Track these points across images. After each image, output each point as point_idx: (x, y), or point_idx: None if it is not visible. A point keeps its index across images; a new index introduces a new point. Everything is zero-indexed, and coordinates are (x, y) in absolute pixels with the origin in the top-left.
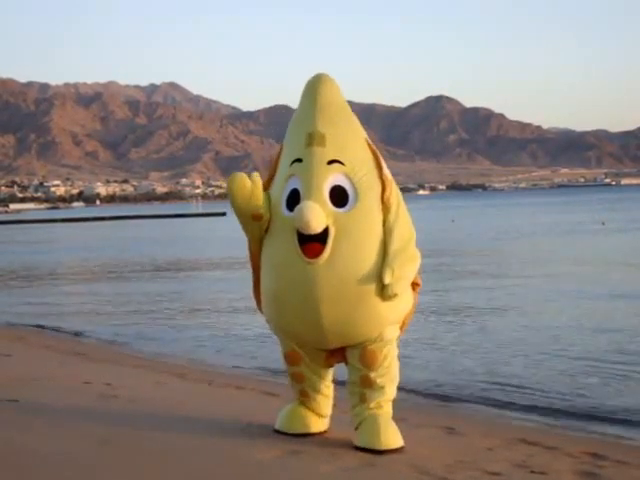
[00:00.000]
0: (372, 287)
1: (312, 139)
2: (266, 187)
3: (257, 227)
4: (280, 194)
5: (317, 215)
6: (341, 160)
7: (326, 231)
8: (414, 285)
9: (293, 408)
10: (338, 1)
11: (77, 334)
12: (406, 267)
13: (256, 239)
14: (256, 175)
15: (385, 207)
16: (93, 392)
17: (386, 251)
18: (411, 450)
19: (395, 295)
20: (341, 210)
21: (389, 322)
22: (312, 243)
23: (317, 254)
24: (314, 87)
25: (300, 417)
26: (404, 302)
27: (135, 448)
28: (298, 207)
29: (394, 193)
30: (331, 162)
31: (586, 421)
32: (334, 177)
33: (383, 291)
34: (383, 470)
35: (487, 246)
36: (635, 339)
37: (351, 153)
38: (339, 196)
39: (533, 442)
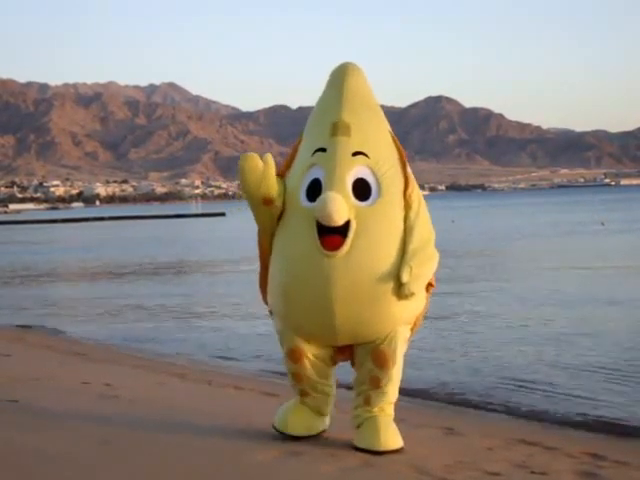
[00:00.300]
0: (389, 284)
1: (337, 129)
2: (281, 174)
3: (268, 214)
4: (299, 183)
5: (340, 207)
6: (366, 152)
7: (347, 224)
8: (428, 286)
9: (294, 407)
10: (338, 1)
11: (76, 334)
12: (424, 266)
13: (266, 228)
14: (269, 156)
15: (407, 204)
16: (93, 392)
17: (405, 249)
18: (411, 450)
19: (412, 294)
20: (363, 204)
21: (402, 321)
22: (332, 235)
23: (337, 247)
24: (341, 76)
25: (301, 418)
26: (417, 302)
27: (135, 448)
28: (321, 197)
29: (416, 191)
30: (356, 154)
31: (586, 421)
32: (358, 169)
33: (399, 290)
34: (383, 470)
35: (488, 247)
36: (636, 340)
37: (376, 146)
38: (362, 189)
39: (533, 442)
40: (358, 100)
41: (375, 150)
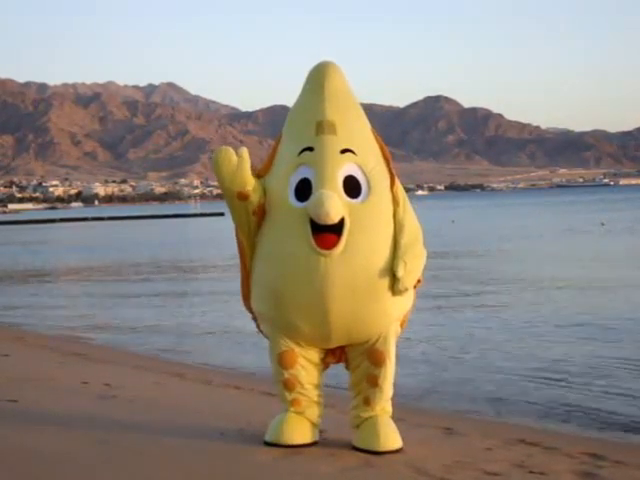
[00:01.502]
0: (384, 281)
1: (323, 127)
2: (261, 174)
3: (243, 209)
4: (285, 183)
5: (336, 205)
6: (353, 150)
7: (341, 222)
8: (416, 282)
9: (286, 417)
10: (337, 1)
11: (76, 334)
12: (416, 261)
13: (242, 224)
14: (244, 150)
15: (394, 200)
16: (92, 392)
17: (397, 244)
18: (410, 450)
19: (406, 289)
20: (354, 201)
21: (394, 318)
22: (327, 234)
23: (332, 245)
24: (321, 74)
25: (296, 426)
26: (408, 298)
27: (134, 448)
28: (316, 196)
29: (400, 187)
30: (344, 151)
31: (585, 421)
32: (347, 167)
33: (394, 285)
34: (382, 470)
35: (489, 247)
36: (633, 341)
37: (361, 143)
38: (352, 186)
39: (532, 442)
40: (340, 99)
41: (361, 147)
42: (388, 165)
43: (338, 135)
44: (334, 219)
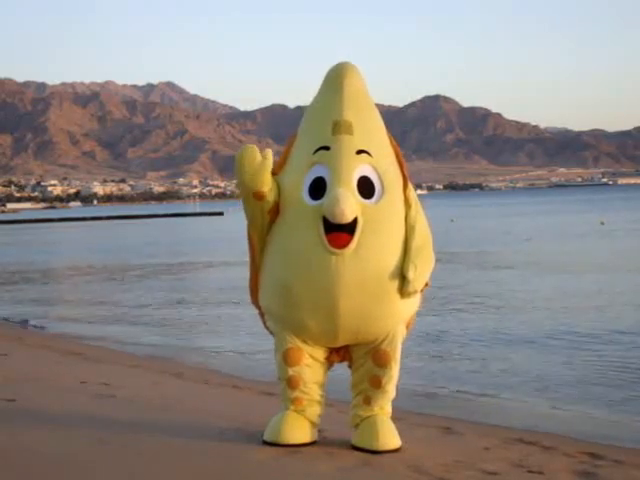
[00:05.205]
0: (394, 282)
1: (340, 127)
2: (274, 172)
3: (258, 208)
4: (299, 182)
5: (351, 204)
6: (368, 151)
7: (354, 221)
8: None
9: (286, 416)
10: (335, 1)
11: (73, 333)
12: (426, 264)
13: (256, 222)
14: (269, 152)
15: (407, 202)
16: (90, 392)
17: (408, 246)
18: (408, 450)
19: (415, 292)
20: (368, 202)
21: (402, 319)
22: (339, 232)
23: (344, 244)
24: (340, 75)
25: (295, 426)
26: (416, 300)
27: (132, 448)
28: (332, 195)
29: (412, 190)
30: (359, 152)
31: (583, 420)
32: (362, 167)
33: (404, 287)
34: (380, 470)
35: (490, 247)
36: (629, 342)
37: (376, 145)
38: (366, 187)
39: (530, 442)
40: (358, 100)
41: (376, 149)
42: (401, 168)
43: (354, 135)
44: (349, 218)
